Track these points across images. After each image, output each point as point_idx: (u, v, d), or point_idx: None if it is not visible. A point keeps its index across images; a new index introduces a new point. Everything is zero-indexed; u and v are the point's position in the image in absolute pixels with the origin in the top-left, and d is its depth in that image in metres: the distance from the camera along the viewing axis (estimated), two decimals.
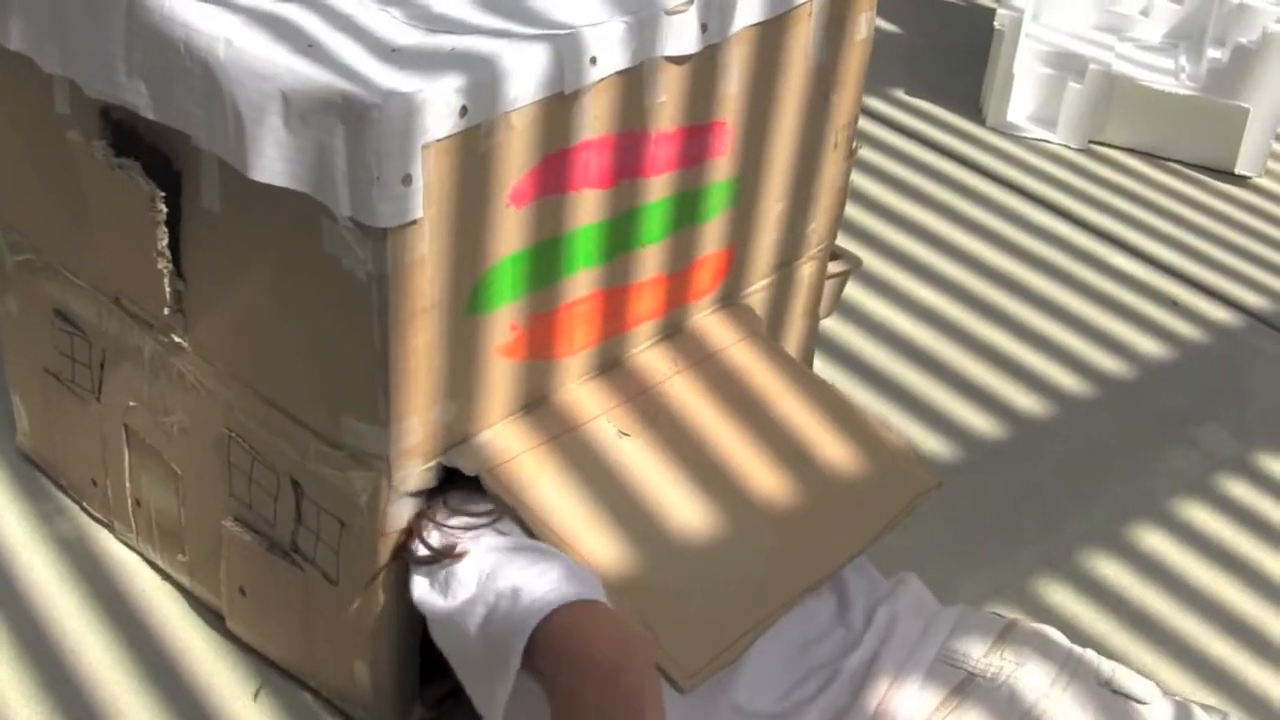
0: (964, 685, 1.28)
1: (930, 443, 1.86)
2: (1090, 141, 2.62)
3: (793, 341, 1.62)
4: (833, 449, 1.40)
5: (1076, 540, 1.74)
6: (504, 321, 1.25)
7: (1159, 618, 1.65)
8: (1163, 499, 1.82)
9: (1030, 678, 1.29)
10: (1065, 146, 2.60)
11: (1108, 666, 1.33)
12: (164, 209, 1.24)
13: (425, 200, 1.11)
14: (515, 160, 1.17)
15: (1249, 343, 2.16)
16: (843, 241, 2.13)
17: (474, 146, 1.13)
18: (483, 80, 1.12)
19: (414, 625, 1.33)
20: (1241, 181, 2.57)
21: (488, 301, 1.22)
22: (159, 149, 1.24)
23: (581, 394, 1.34)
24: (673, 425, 1.36)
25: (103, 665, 1.44)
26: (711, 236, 1.42)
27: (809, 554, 1.31)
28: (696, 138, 1.34)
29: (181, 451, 1.41)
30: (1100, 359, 2.07)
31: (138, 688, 1.42)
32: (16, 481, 1.63)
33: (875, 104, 2.65)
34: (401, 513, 1.26)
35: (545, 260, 1.25)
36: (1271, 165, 2.63)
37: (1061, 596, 1.66)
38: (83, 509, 1.59)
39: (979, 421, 1.92)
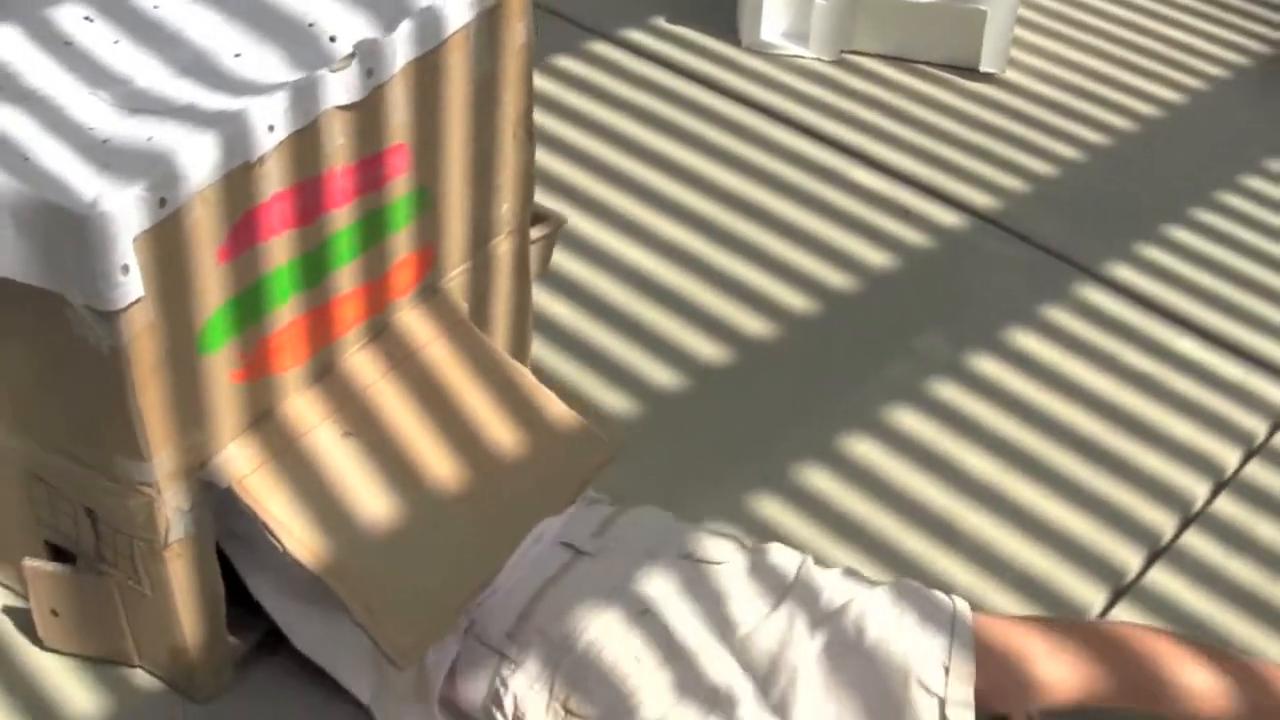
0: (571, 562, 1.73)
1: (660, 373, 2.26)
2: (843, 51, 3.00)
3: (502, 308, 2.01)
4: (521, 434, 1.80)
5: (791, 454, 2.14)
6: (231, 354, 1.62)
7: (860, 519, 2.06)
8: (874, 407, 2.23)
9: (622, 555, 1.73)
10: (818, 60, 2.99)
11: (691, 541, 1.76)
12: None
13: (145, 280, 1.48)
14: (215, 228, 1.53)
15: (975, 244, 2.57)
16: (588, 182, 2.53)
17: (177, 227, 1.50)
18: (175, 172, 1.47)
19: (214, 610, 1.74)
20: (988, 79, 2.97)
21: (214, 342, 1.59)
22: None
23: (302, 404, 1.73)
24: (382, 427, 1.75)
25: None
26: (403, 243, 1.79)
27: (503, 530, 1.72)
28: (375, 164, 1.70)
29: None
30: (830, 276, 2.47)
31: None
32: None
33: (635, 35, 3.02)
34: (178, 524, 1.64)
35: (258, 297, 1.62)
36: (1020, 56, 3.03)
37: (774, 510, 2.06)
38: None
39: (708, 349, 2.31)
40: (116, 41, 1.68)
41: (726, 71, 2.96)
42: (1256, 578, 2.04)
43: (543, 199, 2.29)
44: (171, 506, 1.63)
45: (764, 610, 1.71)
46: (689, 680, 1.62)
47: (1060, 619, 1.92)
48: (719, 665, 1.64)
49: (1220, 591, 2.02)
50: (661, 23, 3.08)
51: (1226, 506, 2.14)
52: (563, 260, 2.38)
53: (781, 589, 1.73)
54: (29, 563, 1.75)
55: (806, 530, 2.04)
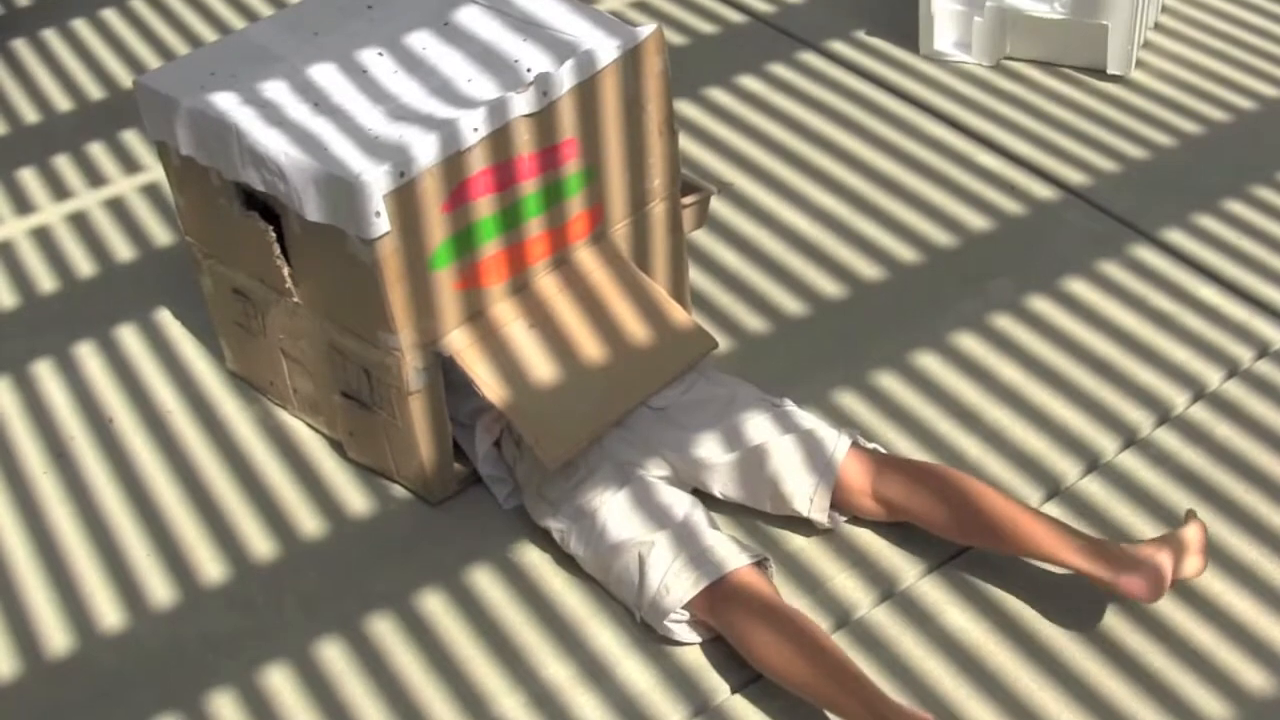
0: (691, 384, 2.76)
1: (792, 305, 3.17)
2: (1003, 58, 3.85)
3: (660, 254, 2.96)
4: (647, 329, 2.75)
5: (871, 364, 3.01)
6: (453, 272, 2.63)
7: (910, 409, 2.93)
8: (943, 333, 3.09)
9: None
10: (979, 65, 3.85)
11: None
12: (274, 235, 2.67)
13: (390, 221, 2.51)
14: (438, 191, 2.54)
15: (1060, 215, 3.38)
16: (770, 162, 3.47)
17: (411, 190, 2.50)
18: (411, 158, 2.49)
19: (442, 439, 2.76)
20: (1116, 79, 3.78)
21: (441, 263, 2.60)
22: (266, 201, 2.67)
23: (503, 308, 2.74)
24: (555, 324, 2.73)
25: (280, 478, 2.90)
26: (577, 204, 2.75)
27: (626, 390, 2.69)
28: (552, 152, 2.66)
29: (310, 359, 2.84)
30: (937, 235, 3.33)
31: (304, 488, 2.88)
32: (231, 385, 3.11)
33: (836, 45, 3.95)
34: (417, 378, 2.66)
35: (470, 236, 2.63)
36: (1149, 58, 3.82)
37: (849, 400, 2.95)
38: (268, 399, 3.06)
39: (829, 286, 3.21)
40: (395, 71, 2.73)
41: (901, 74, 3.85)
42: (1212, 471, 2.77)
43: (733, 175, 3.33)
44: (411, 366, 2.66)
45: (711, 440, 2.70)
46: (639, 498, 2.63)
47: (922, 465, 2.69)
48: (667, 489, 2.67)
49: (1175, 476, 2.77)
50: (861, 35, 3.99)
51: (1197, 412, 2.91)
52: (733, 218, 3.35)
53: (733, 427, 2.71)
54: (336, 398, 2.82)
55: (868, 415, 2.91)
